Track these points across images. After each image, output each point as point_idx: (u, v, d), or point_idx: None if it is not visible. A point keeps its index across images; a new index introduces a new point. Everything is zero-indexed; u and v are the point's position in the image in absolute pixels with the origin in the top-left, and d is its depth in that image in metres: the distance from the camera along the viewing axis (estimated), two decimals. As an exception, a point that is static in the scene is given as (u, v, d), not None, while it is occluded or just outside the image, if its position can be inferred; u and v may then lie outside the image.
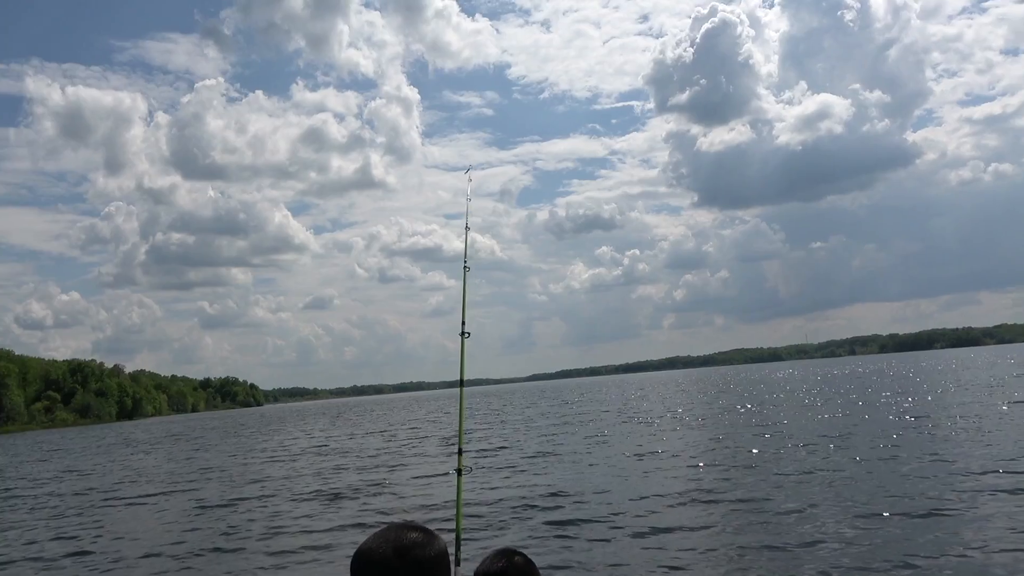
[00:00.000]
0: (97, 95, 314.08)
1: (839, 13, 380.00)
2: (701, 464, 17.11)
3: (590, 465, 18.73)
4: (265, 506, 16.37)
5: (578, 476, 16.99)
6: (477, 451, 24.11)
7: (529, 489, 15.45)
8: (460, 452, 5.61)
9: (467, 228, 6.30)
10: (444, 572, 1.74)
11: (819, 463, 15.75)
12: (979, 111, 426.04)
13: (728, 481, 14.50)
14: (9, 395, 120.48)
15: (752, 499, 12.41)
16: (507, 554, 2.80)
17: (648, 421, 32.13)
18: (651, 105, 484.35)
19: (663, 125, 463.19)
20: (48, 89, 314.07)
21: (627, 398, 57.44)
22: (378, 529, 1.79)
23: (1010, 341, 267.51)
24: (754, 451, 18.48)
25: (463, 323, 6.30)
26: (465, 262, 6.16)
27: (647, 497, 13.44)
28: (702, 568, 8.82)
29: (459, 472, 5.48)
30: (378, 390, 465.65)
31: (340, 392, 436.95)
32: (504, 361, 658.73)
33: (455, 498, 4.41)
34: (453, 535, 4.13)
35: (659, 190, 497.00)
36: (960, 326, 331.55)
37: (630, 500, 13.32)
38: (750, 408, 34.73)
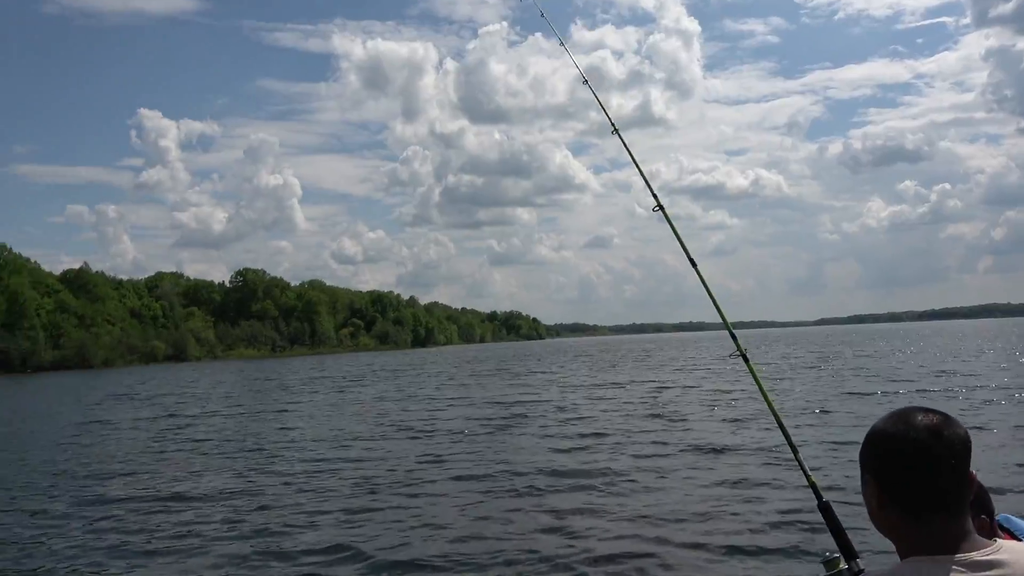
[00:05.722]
0: (394, 47, 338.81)
1: None
2: None
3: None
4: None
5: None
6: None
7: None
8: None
9: None
10: (969, 453, 1.63)
11: None
12: None
13: None
14: (320, 321, 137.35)
15: None
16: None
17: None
18: (967, 19, 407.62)
19: (982, 41, 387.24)
20: (352, 44, 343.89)
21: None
22: (889, 413, 1.65)
23: None
24: None
25: None
26: None
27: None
28: None
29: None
30: (657, 328, 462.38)
31: (619, 329, 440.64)
32: (790, 304, 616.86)
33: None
34: None
35: (975, 116, 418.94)
36: None
37: None
38: None
